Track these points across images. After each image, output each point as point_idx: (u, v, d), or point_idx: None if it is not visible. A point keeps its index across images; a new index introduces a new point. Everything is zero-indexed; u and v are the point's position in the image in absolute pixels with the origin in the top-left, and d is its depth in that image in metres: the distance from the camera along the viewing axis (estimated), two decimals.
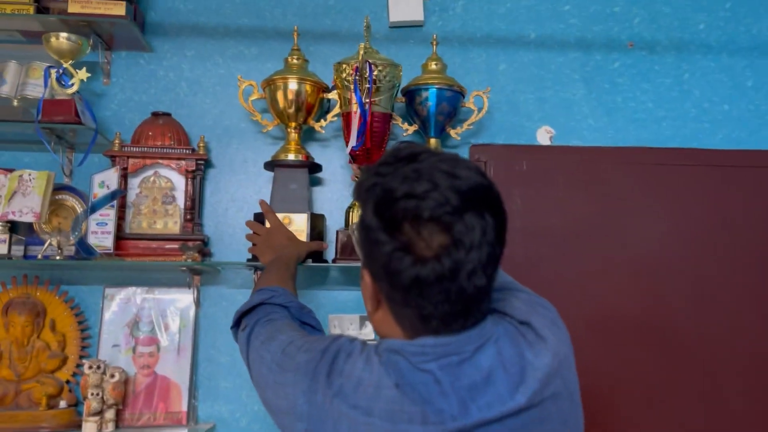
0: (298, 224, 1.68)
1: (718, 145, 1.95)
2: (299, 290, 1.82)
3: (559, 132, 1.94)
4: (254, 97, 1.77)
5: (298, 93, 1.73)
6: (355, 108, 1.64)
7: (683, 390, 1.85)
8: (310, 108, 1.76)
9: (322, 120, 1.79)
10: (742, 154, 1.95)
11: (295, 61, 1.76)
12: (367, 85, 1.64)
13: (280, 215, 1.66)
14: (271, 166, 1.77)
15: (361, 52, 1.63)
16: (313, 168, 1.79)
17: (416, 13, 1.93)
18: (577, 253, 1.89)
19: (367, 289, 0.89)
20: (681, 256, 1.90)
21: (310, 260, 1.66)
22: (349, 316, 1.83)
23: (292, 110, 1.74)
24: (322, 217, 1.77)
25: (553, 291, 1.81)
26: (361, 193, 0.85)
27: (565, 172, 1.92)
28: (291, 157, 1.74)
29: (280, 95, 1.73)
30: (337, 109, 1.78)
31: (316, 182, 1.88)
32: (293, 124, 1.77)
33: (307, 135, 1.86)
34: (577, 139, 1.94)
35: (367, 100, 1.63)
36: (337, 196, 1.89)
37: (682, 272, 1.89)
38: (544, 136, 1.93)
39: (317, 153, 1.86)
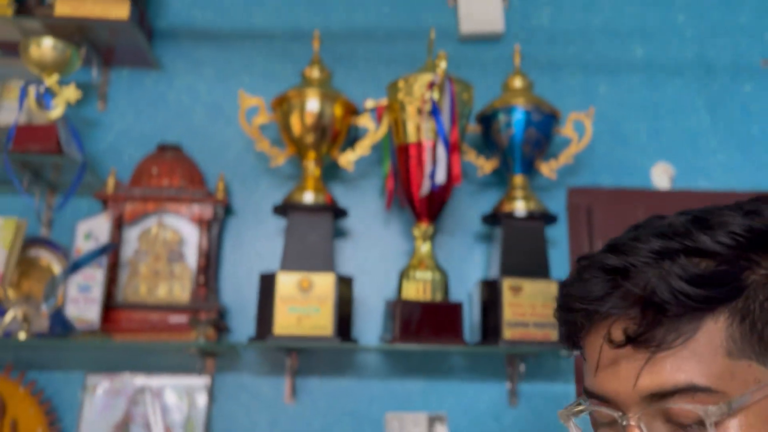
0: (321, 289, 1.23)
1: None
2: (334, 379, 1.36)
3: (680, 171, 1.50)
4: (261, 120, 1.36)
5: (320, 115, 1.31)
6: (431, 137, 1.22)
7: None
8: (335, 136, 1.35)
9: (349, 151, 1.37)
10: None
11: (315, 74, 1.36)
12: (448, 108, 1.22)
13: (296, 275, 1.23)
14: (284, 210, 1.33)
15: (442, 65, 1.21)
16: (337, 213, 1.35)
17: (494, 23, 1.53)
18: None
19: None
20: None
21: (338, 339, 1.21)
22: (412, 414, 1.36)
23: (311, 138, 1.32)
24: (350, 281, 1.32)
25: None
26: None
27: None
28: (309, 198, 1.31)
29: (295, 118, 1.32)
30: (372, 138, 1.36)
31: (337, 233, 1.42)
32: (313, 156, 1.35)
33: (327, 172, 1.44)
34: (705, 179, 1.50)
35: (452, 127, 1.21)
36: (364, 253, 1.44)
37: None
38: (661, 177, 1.50)
39: (339, 194, 1.44)
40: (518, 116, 1.32)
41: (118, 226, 1.36)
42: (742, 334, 0.52)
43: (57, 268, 1.37)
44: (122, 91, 1.51)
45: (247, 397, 1.36)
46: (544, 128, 1.34)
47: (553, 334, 1.23)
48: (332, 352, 1.36)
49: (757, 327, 0.51)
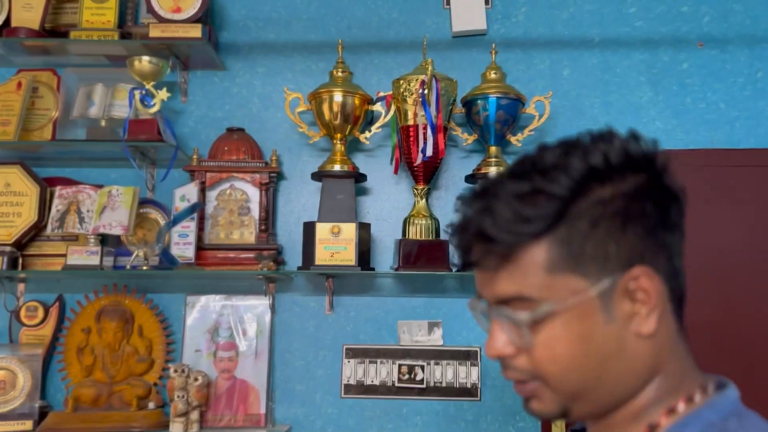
0: (347, 233, 1.74)
1: None
2: (361, 296, 1.87)
3: None
4: (301, 108, 1.84)
5: (343, 105, 1.78)
6: (423, 121, 1.69)
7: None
8: (356, 120, 1.82)
9: (367, 131, 1.85)
10: None
11: (339, 74, 1.83)
12: (434, 100, 1.68)
13: (328, 224, 1.73)
14: (319, 176, 1.83)
15: (430, 68, 1.67)
16: (358, 178, 1.84)
17: (479, 22, 1.95)
18: None
19: (648, 301, 0.65)
20: (757, 259, 1.85)
21: (359, 268, 1.72)
22: (417, 321, 1.87)
23: (337, 122, 1.80)
24: (368, 226, 1.82)
25: None
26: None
27: None
28: (337, 167, 1.80)
29: (325, 107, 1.79)
30: (382, 120, 1.82)
31: (360, 191, 1.92)
32: (339, 136, 1.83)
33: (351, 145, 1.91)
34: None
35: (436, 114, 1.67)
36: (381, 206, 1.94)
37: (757, 275, 1.85)
38: None
39: (361, 162, 1.91)
40: (490, 102, 1.77)
41: (203, 190, 1.88)
42: (561, 255, 0.63)
43: (162, 220, 1.91)
44: (198, 88, 2.01)
45: (298, 310, 1.90)
46: (511, 110, 1.78)
47: None
48: (357, 277, 1.88)
49: (573, 248, 0.63)
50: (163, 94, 1.84)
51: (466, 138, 1.85)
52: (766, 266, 1.85)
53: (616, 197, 0.64)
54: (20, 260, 1.86)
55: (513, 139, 1.83)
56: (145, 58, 1.83)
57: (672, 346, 0.68)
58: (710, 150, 1.90)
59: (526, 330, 0.64)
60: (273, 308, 1.90)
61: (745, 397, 0.70)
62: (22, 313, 1.88)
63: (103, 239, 1.84)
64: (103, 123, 1.92)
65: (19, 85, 1.90)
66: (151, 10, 1.87)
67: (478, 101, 1.78)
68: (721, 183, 1.89)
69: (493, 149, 1.81)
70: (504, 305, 0.66)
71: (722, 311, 1.85)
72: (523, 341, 0.66)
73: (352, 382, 1.86)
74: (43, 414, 1.79)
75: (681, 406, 0.67)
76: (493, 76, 1.81)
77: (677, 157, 1.90)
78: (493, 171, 1.77)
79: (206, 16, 1.92)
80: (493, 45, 1.86)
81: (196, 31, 1.85)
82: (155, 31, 1.85)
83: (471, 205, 0.66)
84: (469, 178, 1.83)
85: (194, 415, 1.75)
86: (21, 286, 1.92)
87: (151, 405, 1.81)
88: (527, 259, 0.64)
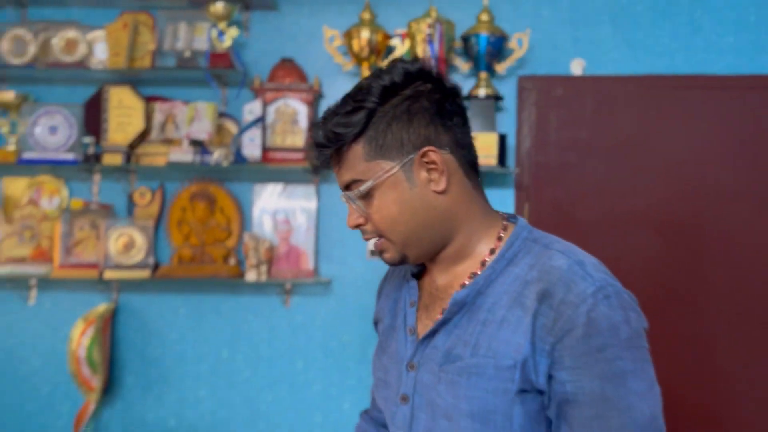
0: None
1: (723, 72, 2.42)
2: None
3: (589, 64, 2.47)
4: (337, 43, 2.42)
5: (369, 41, 2.36)
6: (429, 55, 2.27)
7: (683, 270, 2.42)
8: (379, 52, 2.40)
9: (387, 61, 2.42)
10: (744, 79, 2.41)
11: (366, 16, 2.39)
12: (437, 39, 2.25)
13: None
14: None
15: (434, 14, 2.23)
16: None
17: None
18: (601, 160, 2.46)
19: (441, 168, 0.89)
20: (688, 161, 2.43)
21: None
22: None
23: (365, 54, 2.38)
24: None
25: (580, 190, 2.45)
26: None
27: (593, 97, 2.46)
28: None
29: (355, 43, 2.37)
30: (399, 52, 2.39)
31: None
32: (366, 64, 2.41)
33: None
34: (604, 69, 2.46)
35: (438, 49, 2.25)
36: None
37: (688, 173, 2.43)
38: (577, 68, 2.47)
39: None
40: (481, 39, 2.32)
41: (264, 106, 2.51)
42: (371, 147, 0.88)
43: (233, 129, 2.56)
44: (258, 25, 2.59)
45: (336, 196, 2.56)
46: (497, 45, 2.34)
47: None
48: None
49: (378, 141, 0.88)
50: (233, 31, 2.43)
51: (462, 66, 2.42)
52: (691, 164, 2.43)
53: (402, 101, 0.89)
54: (131, 158, 2.54)
55: (499, 67, 2.40)
56: (219, 3, 2.42)
57: (469, 197, 0.92)
58: (654, 76, 2.44)
59: (360, 202, 0.90)
60: (318, 194, 2.57)
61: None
62: (136, 195, 2.59)
63: (193, 142, 2.50)
64: (187, 54, 2.53)
65: (125, 24, 2.51)
66: None
67: (472, 38, 2.34)
68: (662, 101, 2.44)
69: (483, 75, 2.39)
70: (348, 190, 0.91)
71: (654, 203, 2.44)
72: (362, 211, 0.91)
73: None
74: (155, 267, 2.53)
75: (498, 244, 0.93)
76: (483, 18, 2.36)
77: (629, 81, 2.46)
78: (481, 92, 2.36)
79: None
80: None
81: None
82: None
83: (318, 127, 0.92)
84: (467, 98, 2.42)
85: (263, 268, 2.46)
86: (132, 177, 2.61)
87: (232, 261, 2.53)
88: (351, 154, 0.89)
